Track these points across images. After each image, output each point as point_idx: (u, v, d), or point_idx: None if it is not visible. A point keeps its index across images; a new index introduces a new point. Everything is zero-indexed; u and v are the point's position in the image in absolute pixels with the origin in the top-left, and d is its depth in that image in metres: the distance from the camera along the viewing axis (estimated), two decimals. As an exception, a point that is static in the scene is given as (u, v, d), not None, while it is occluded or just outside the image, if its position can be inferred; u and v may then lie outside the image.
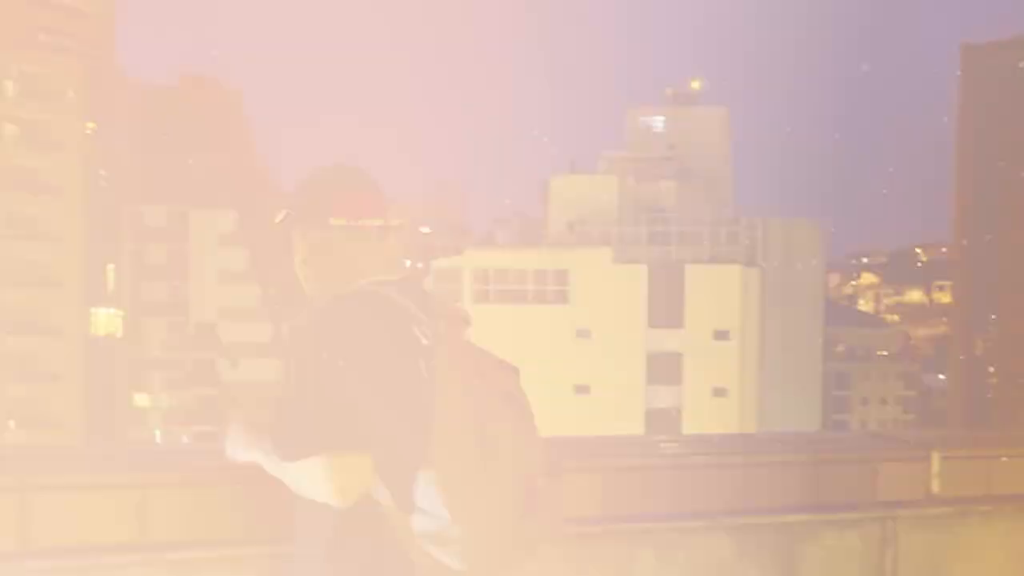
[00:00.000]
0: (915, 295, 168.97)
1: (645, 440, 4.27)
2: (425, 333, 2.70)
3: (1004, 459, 4.31)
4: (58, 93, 73.78)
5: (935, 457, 4.22)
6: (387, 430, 2.61)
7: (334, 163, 2.92)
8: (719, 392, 67.97)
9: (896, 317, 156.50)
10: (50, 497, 2.86)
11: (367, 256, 2.80)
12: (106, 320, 76.99)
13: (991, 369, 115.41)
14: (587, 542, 3.69)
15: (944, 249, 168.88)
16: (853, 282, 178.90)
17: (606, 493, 3.65)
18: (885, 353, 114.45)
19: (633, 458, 3.87)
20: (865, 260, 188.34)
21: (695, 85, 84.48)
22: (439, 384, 2.61)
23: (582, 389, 67.29)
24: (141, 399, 76.97)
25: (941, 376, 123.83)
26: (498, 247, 73.60)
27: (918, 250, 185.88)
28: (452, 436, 2.56)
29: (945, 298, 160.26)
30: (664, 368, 68.09)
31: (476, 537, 2.57)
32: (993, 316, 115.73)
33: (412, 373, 2.64)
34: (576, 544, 3.67)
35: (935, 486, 4.23)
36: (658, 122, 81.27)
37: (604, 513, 3.66)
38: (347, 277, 2.78)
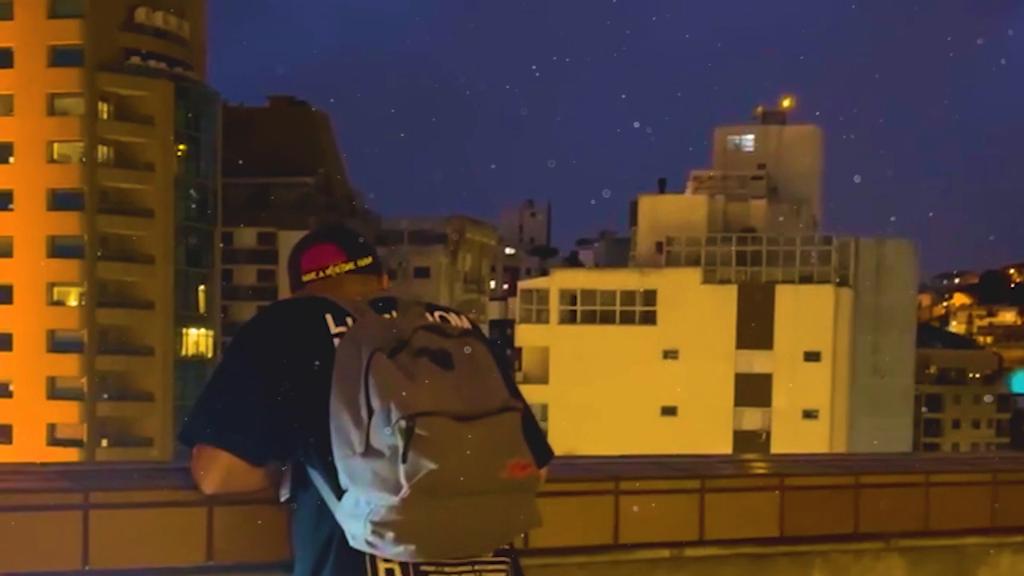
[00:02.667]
0: (1008, 316, 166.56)
1: (821, 458, 4.14)
2: (342, 321, 2.69)
3: None
4: (150, 115, 75.02)
5: (1118, 478, 4.04)
6: (301, 417, 2.61)
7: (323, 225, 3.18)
8: (809, 414, 67.36)
9: (989, 338, 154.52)
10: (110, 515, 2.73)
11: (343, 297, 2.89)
12: (197, 340, 77.97)
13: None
14: (761, 562, 3.57)
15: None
16: (945, 303, 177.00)
17: (784, 512, 3.53)
18: (977, 375, 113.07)
19: (811, 477, 3.74)
20: (957, 280, 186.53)
21: (786, 103, 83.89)
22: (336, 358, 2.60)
23: (669, 410, 67.00)
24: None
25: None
26: (585, 267, 73.58)
27: (1011, 270, 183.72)
28: (334, 403, 2.53)
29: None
30: (753, 390, 67.64)
31: (373, 509, 2.44)
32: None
33: (317, 361, 2.63)
34: (750, 564, 3.56)
35: (1116, 508, 4.05)
36: (747, 141, 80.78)
37: (781, 534, 3.53)
38: None
